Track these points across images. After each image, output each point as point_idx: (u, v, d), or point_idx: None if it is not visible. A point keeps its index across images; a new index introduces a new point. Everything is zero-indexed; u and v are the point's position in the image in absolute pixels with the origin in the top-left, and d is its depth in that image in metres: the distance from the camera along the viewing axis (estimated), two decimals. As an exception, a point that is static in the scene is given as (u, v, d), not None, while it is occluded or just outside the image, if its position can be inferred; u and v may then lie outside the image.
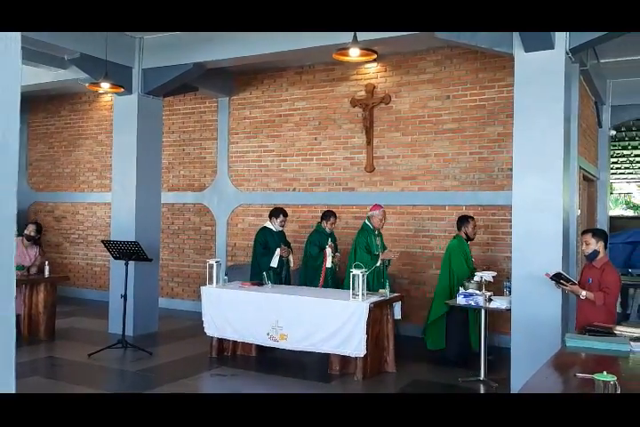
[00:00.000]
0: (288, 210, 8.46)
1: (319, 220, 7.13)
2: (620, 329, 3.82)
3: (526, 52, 5.05)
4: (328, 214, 7.02)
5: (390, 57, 7.73)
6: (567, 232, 5.18)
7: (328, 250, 6.81)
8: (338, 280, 6.91)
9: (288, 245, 6.94)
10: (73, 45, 6.44)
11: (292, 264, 6.95)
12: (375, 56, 4.49)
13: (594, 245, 4.53)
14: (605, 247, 4.62)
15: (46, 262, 7.01)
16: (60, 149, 10.66)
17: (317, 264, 6.84)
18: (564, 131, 5.00)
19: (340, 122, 8.16)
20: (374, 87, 7.92)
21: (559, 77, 4.95)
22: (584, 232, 4.75)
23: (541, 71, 5.00)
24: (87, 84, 6.50)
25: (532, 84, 5.04)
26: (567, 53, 4.98)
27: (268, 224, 6.91)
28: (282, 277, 6.80)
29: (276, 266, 6.65)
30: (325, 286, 6.70)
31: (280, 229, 6.90)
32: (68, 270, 10.22)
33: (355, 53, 4.46)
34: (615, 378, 2.26)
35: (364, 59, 4.64)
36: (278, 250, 6.66)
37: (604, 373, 2.31)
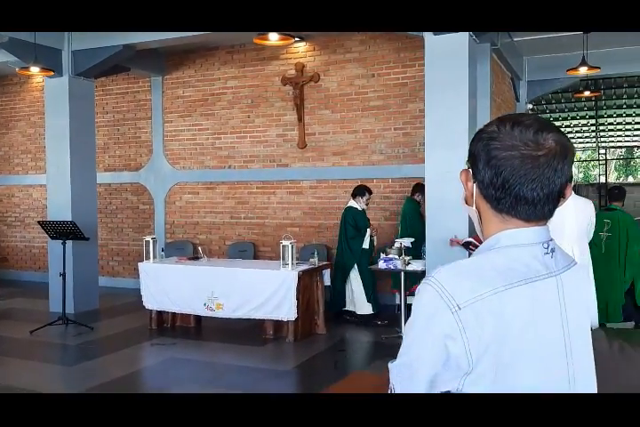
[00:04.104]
0: (224, 187, 8.78)
1: (409, 193, 7.03)
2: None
3: (434, 34, 5.45)
4: (420, 187, 6.68)
5: (318, 36, 8.00)
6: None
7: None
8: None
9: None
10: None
11: (375, 243, 6.75)
12: (293, 40, 4.78)
13: None
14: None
15: (-17, 245, 7.08)
16: (-9, 132, 10.52)
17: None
18: (470, 107, 5.45)
19: (271, 100, 8.43)
20: (304, 66, 8.20)
21: (463, 58, 5.38)
22: None
23: (447, 52, 5.42)
24: (17, 69, 6.54)
25: (439, 65, 5.46)
26: (471, 36, 5.41)
27: (353, 204, 6.71)
28: (371, 257, 6.58)
29: (367, 247, 6.52)
30: None
31: (364, 207, 6.74)
32: (6, 253, 10.22)
33: (274, 38, 4.74)
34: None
35: (282, 43, 4.93)
36: (368, 230, 6.55)
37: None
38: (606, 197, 6.47)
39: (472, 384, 0.97)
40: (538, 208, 1.03)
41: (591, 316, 5.14)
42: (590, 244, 6.32)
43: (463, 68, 5.38)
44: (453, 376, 0.98)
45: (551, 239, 1.07)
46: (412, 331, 1.02)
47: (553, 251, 1.06)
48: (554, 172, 1.01)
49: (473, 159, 1.07)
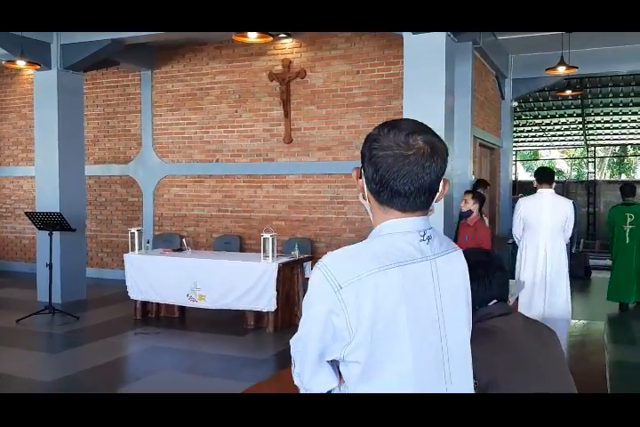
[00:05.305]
0: (211, 180, 8.91)
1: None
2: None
3: (413, 33, 5.58)
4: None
5: (304, 33, 8.12)
6: (451, 195, 5.84)
7: None
8: None
9: None
10: (-13, 21, 6.54)
11: None
12: (271, 38, 4.91)
13: (471, 204, 5.20)
14: (480, 209, 5.31)
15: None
16: (-18, 123, 10.61)
17: None
18: (446, 104, 5.59)
19: (258, 95, 8.55)
20: (290, 62, 8.32)
21: (440, 57, 5.51)
22: (466, 192, 5.42)
23: (425, 51, 5.55)
24: (4, 62, 6.65)
25: (417, 63, 5.60)
26: (449, 35, 5.54)
27: None
28: None
29: None
30: None
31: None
32: (-4, 244, 10.35)
33: (252, 36, 4.87)
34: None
35: (260, 40, 5.06)
36: None
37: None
38: (620, 193, 7.56)
39: (351, 353, 1.13)
40: (411, 200, 1.19)
41: (567, 309, 5.32)
42: (615, 238, 7.17)
43: (440, 67, 5.52)
44: (338, 347, 1.13)
45: (430, 228, 1.23)
46: (304, 309, 1.18)
47: (429, 238, 1.22)
48: (422, 168, 1.17)
49: (362, 158, 1.23)
